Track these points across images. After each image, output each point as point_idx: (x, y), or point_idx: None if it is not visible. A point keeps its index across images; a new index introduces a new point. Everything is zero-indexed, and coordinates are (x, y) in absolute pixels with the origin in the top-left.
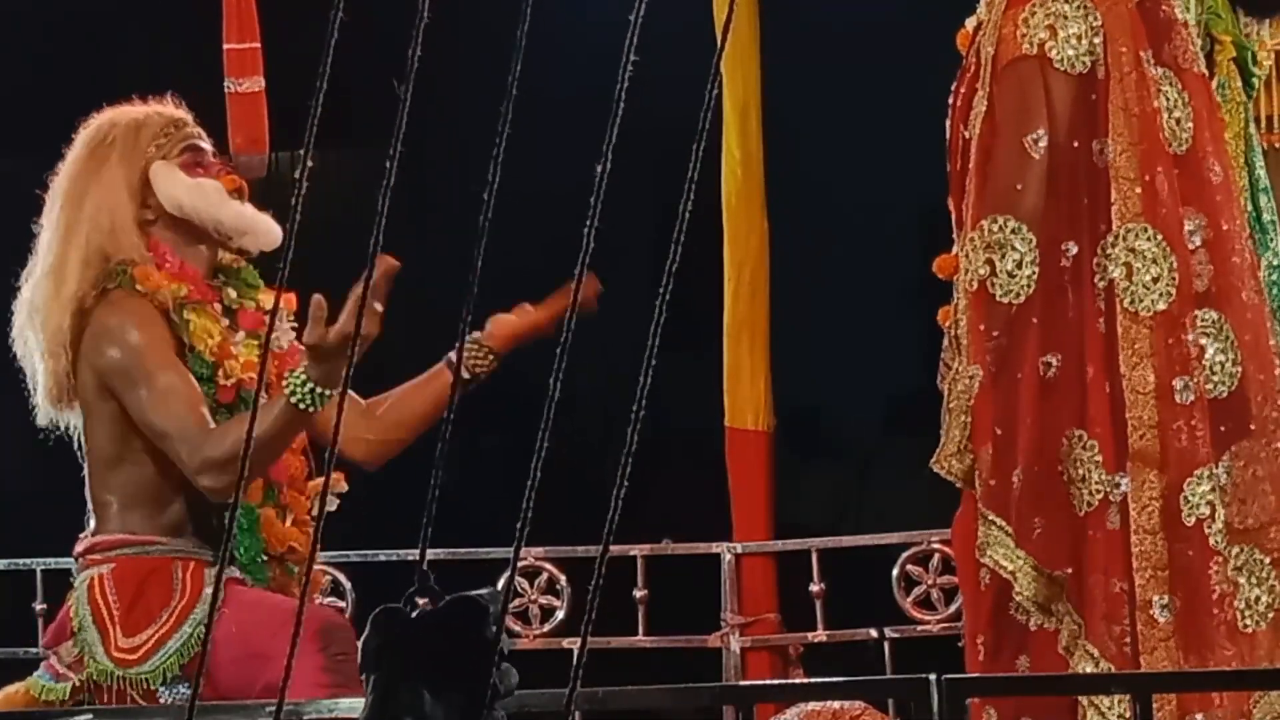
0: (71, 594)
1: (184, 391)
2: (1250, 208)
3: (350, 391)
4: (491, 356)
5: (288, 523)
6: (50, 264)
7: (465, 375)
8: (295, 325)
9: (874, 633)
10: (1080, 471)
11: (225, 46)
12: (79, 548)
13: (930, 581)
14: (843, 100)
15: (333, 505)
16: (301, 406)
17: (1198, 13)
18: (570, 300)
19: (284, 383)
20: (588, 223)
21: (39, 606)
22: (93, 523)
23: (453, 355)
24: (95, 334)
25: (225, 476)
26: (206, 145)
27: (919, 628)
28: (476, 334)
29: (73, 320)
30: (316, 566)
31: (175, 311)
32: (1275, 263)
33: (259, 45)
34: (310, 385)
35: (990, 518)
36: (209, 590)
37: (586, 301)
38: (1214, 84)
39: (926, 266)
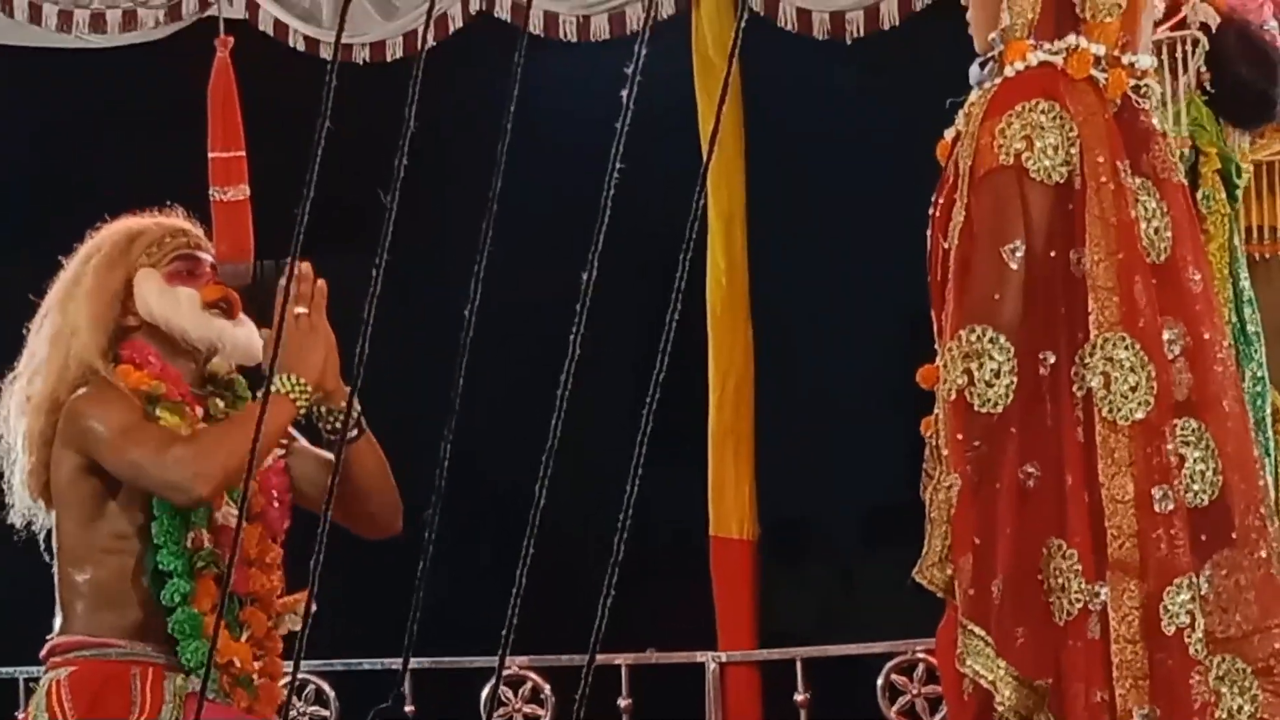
0: (33, 699)
1: (154, 429)
2: (1234, 319)
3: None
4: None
5: (242, 638)
6: (34, 367)
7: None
8: (284, 443)
9: None
10: (1059, 581)
11: (210, 155)
12: (43, 650)
13: (915, 691)
14: (827, 210)
15: (294, 624)
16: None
17: (1185, 124)
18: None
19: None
20: (573, 332)
21: (21, 715)
22: (57, 623)
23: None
24: (69, 416)
25: (213, 481)
26: (205, 256)
27: None
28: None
29: (46, 418)
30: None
31: (148, 405)
32: (1259, 374)
33: (243, 154)
34: (301, 385)
35: (970, 628)
36: (167, 706)
37: None
38: (1199, 195)
39: (911, 376)
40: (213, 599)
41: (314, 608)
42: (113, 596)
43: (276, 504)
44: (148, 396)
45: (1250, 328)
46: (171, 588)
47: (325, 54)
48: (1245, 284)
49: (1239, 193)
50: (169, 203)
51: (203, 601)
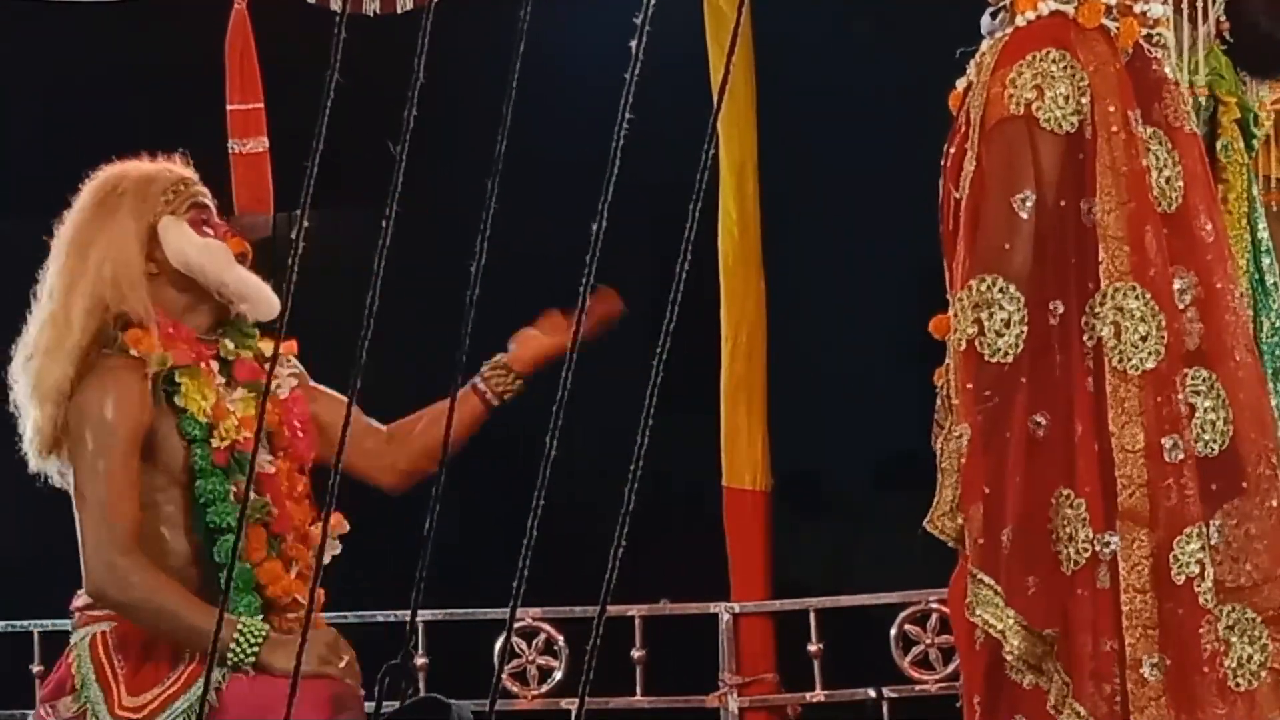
0: (71, 650)
1: (109, 500)
2: (1253, 269)
3: (371, 420)
4: (517, 380)
5: (293, 574)
6: (52, 312)
7: (494, 402)
8: (295, 371)
9: (872, 693)
10: (1067, 530)
11: (229, 107)
12: (76, 602)
13: (928, 641)
14: (839, 160)
15: (336, 548)
16: (231, 659)
17: (1204, 74)
18: (586, 320)
19: (239, 628)
20: (583, 283)
21: (36, 668)
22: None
23: (477, 382)
24: (79, 397)
25: (110, 599)
26: (212, 205)
27: (917, 687)
28: (501, 356)
29: (76, 371)
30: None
31: (165, 379)
32: (1278, 324)
33: (262, 106)
34: (255, 647)
35: (979, 577)
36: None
37: (609, 315)
38: (1218, 145)
39: (924, 326)
40: (265, 544)
41: (346, 528)
42: (150, 551)
43: (301, 434)
44: (162, 368)
45: (1269, 278)
46: (224, 543)
47: (336, 6)
48: (1264, 234)
49: (1257, 142)
50: (183, 150)
51: (254, 552)
